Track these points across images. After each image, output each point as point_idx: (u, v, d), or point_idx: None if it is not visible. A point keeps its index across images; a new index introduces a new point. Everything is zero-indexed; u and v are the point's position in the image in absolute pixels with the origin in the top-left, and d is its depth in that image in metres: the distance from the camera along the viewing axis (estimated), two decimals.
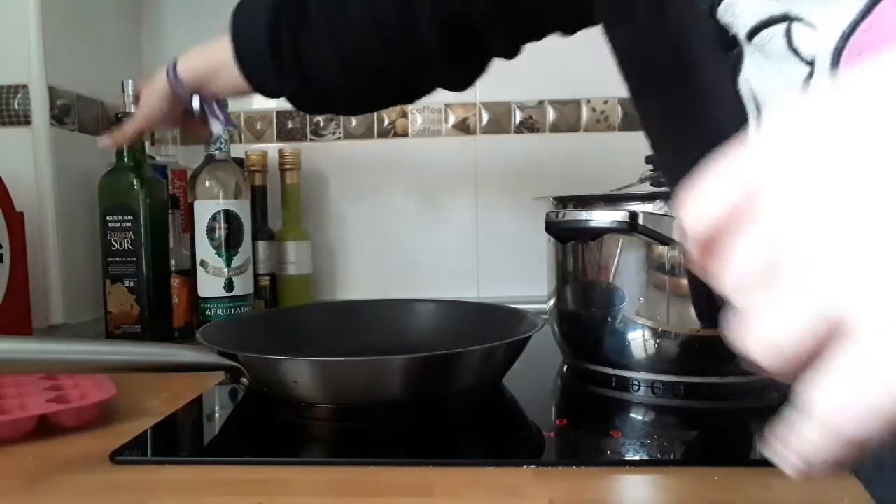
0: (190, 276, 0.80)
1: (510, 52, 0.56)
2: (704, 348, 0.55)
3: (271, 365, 0.48)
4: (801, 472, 0.18)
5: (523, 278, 1.00)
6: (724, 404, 0.53)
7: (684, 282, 0.54)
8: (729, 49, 0.31)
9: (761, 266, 0.18)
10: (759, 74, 0.31)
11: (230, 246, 0.78)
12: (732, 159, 0.19)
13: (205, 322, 0.73)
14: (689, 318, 0.54)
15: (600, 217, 0.53)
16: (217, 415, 0.53)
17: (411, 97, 0.62)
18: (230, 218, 0.78)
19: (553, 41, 1.01)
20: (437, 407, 0.50)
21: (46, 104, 0.79)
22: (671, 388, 0.55)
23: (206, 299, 0.78)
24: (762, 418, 0.50)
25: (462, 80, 0.58)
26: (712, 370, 0.55)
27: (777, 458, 0.19)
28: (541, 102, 0.99)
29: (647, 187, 0.62)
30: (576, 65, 0.99)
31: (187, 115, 0.66)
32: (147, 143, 0.85)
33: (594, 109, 0.99)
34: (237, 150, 0.93)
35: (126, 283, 0.75)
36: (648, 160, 0.65)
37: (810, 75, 0.28)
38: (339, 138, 1.02)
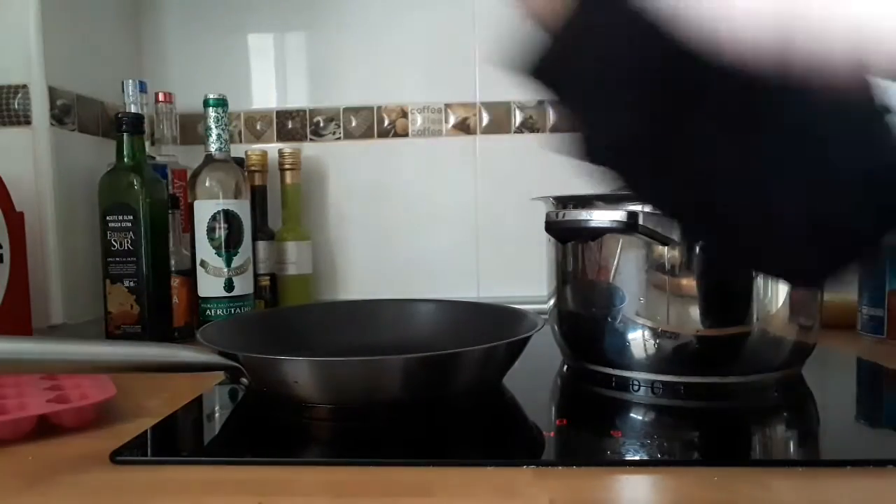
0: (190, 276, 0.80)
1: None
2: (704, 348, 0.55)
3: (271, 365, 0.48)
4: None
5: (523, 278, 1.00)
6: (724, 404, 0.53)
7: (684, 282, 0.54)
8: None
9: None
10: None
11: (230, 246, 0.79)
12: None
13: (205, 322, 0.73)
14: (689, 318, 0.54)
15: (600, 217, 0.53)
16: (217, 415, 0.53)
17: None
18: (230, 218, 0.78)
19: None
20: (437, 407, 0.50)
21: (46, 104, 0.79)
22: (671, 388, 0.55)
23: (206, 299, 0.78)
24: (762, 418, 0.50)
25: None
26: (712, 370, 0.55)
27: None
28: (541, 102, 0.99)
29: None
30: None
31: None
32: (147, 143, 0.85)
33: None
34: (237, 150, 0.93)
35: (126, 283, 0.75)
36: None
37: None
38: (339, 138, 1.02)
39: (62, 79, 0.81)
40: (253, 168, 0.92)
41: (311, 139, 1.02)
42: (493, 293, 1.00)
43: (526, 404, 0.53)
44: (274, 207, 0.96)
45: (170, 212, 0.81)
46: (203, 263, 0.78)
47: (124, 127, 0.76)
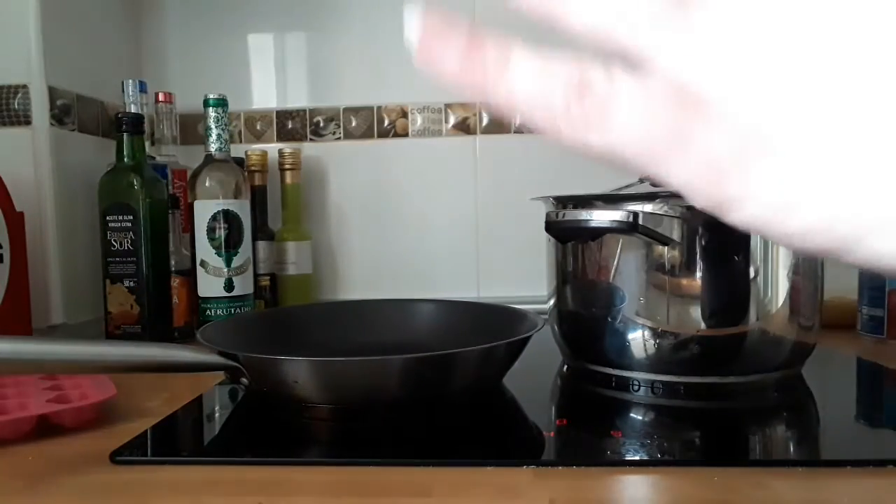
0: (190, 276, 0.80)
1: None
2: (704, 348, 0.55)
3: (271, 365, 0.48)
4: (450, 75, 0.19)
5: (523, 278, 1.00)
6: (724, 404, 0.53)
7: (684, 282, 0.54)
8: None
9: None
10: None
11: (230, 246, 0.79)
12: None
13: (205, 322, 0.73)
14: (689, 318, 0.54)
15: (600, 217, 0.53)
16: (217, 415, 0.53)
17: None
18: (230, 218, 0.78)
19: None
20: (437, 407, 0.50)
21: (46, 104, 0.79)
22: (671, 388, 0.55)
23: (206, 299, 0.78)
24: (762, 418, 0.50)
25: None
26: (712, 370, 0.55)
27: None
28: None
29: (647, 187, 0.62)
30: None
31: None
32: (147, 143, 0.85)
33: None
34: (237, 150, 0.93)
35: (126, 283, 0.75)
36: None
37: None
38: (339, 138, 1.02)
39: (62, 79, 0.81)
40: (253, 168, 0.92)
41: (311, 139, 1.02)
42: (493, 293, 1.00)
43: (526, 404, 0.53)
44: (274, 207, 0.96)
45: (170, 212, 0.81)
46: (203, 263, 0.78)
47: (124, 127, 0.76)
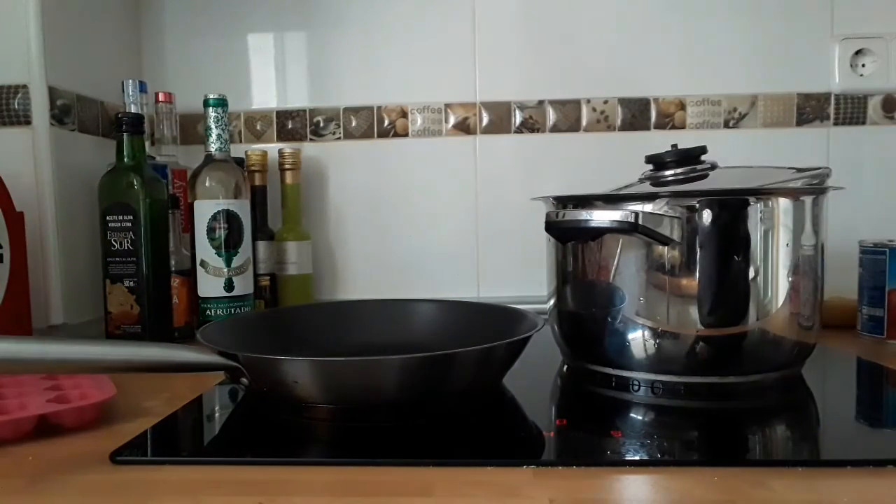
0: (190, 276, 0.80)
1: None
2: (704, 348, 0.55)
3: (271, 365, 0.48)
4: None
5: (523, 278, 1.00)
6: (723, 404, 0.53)
7: (684, 282, 0.54)
8: None
9: None
10: None
11: (230, 246, 0.79)
12: None
13: (205, 322, 0.73)
14: (689, 318, 0.54)
15: (600, 217, 0.53)
16: (217, 415, 0.53)
17: None
18: (230, 218, 0.78)
19: (552, 41, 1.02)
20: (437, 407, 0.50)
21: (46, 104, 0.79)
22: (671, 388, 0.55)
23: (206, 299, 0.78)
24: (762, 418, 0.50)
25: None
26: (712, 370, 0.55)
27: None
28: (541, 102, 0.99)
29: (647, 187, 0.62)
30: (576, 65, 0.99)
31: None
32: (147, 143, 0.85)
33: (594, 109, 0.99)
34: (237, 150, 0.93)
35: (126, 283, 0.75)
36: (648, 160, 0.65)
37: None
38: (339, 138, 1.02)
39: (62, 79, 0.81)
40: (253, 168, 0.92)
41: (311, 139, 1.02)
42: (493, 293, 1.00)
43: (526, 404, 0.53)
44: (274, 207, 0.96)
45: (170, 212, 0.81)
46: (203, 263, 0.78)
47: (124, 127, 0.76)
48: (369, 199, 1.02)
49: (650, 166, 0.65)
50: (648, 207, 0.54)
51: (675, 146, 0.63)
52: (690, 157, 0.63)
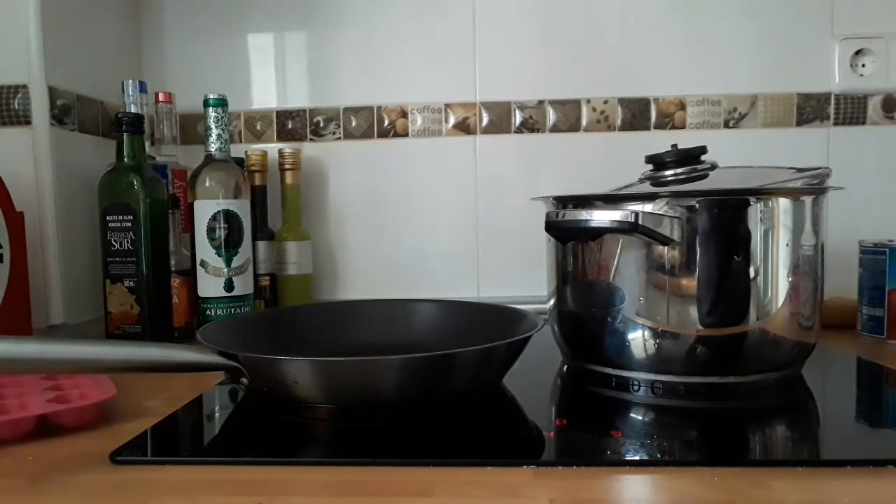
0: (190, 276, 0.80)
1: None
2: (704, 348, 0.55)
3: (271, 365, 0.48)
4: None
5: (523, 278, 1.00)
6: (723, 404, 0.53)
7: (684, 282, 0.54)
8: None
9: None
10: None
11: (230, 246, 0.79)
12: None
13: (205, 322, 0.73)
14: (689, 318, 0.54)
15: (600, 217, 0.53)
16: (217, 415, 0.53)
17: None
18: (230, 218, 0.78)
19: (552, 41, 1.02)
20: (437, 407, 0.50)
21: (46, 104, 0.79)
22: (671, 388, 0.55)
23: (206, 299, 0.78)
24: (762, 418, 0.50)
25: None
26: (712, 370, 0.55)
27: None
28: (541, 102, 0.99)
29: (647, 187, 0.62)
30: (576, 65, 0.99)
31: None
32: (147, 143, 0.85)
33: (594, 109, 0.99)
34: (237, 150, 0.93)
35: (126, 283, 0.75)
36: (648, 160, 0.65)
37: None
38: (339, 138, 1.02)
39: (62, 79, 0.81)
40: (253, 168, 0.92)
41: (311, 139, 1.02)
42: (493, 293, 1.00)
43: (526, 404, 0.53)
44: (274, 207, 0.96)
45: (170, 212, 0.81)
46: (203, 263, 0.78)
47: (124, 127, 0.76)
48: (369, 199, 1.02)
49: (650, 166, 0.65)
50: (648, 207, 0.54)
51: (675, 146, 0.63)
52: (690, 157, 0.63)
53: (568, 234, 0.59)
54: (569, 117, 0.99)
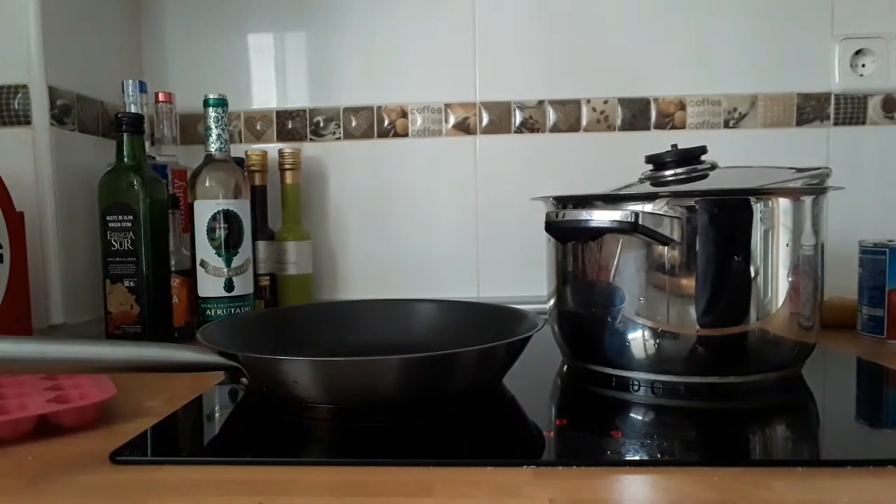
0: (190, 276, 0.80)
1: None
2: (704, 348, 0.55)
3: (271, 365, 0.48)
4: None
5: (523, 278, 1.00)
6: (723, 404, 0.53)
7: (684, 282, 0.54)
8: None
9: None
10: None
11: (230, 246, 0.79)
12: None
13: (205, 322, 0.73)
14: (689, 318, 0.54)
15: (600, 217, 0.53)
16: (217, 415, 0.53)
17: None
18: (230, 218, 0.78)
19: (552, 41, 1.02)
20: (437, 407, 0.50)
21: (46, 104, 0.79)
22: (671, 388, 0.55)
23: (206, 299, 0.78)
24: (762, 418, 0.50)
25: None
26: (712, 370, 0.55)
27: None
28: (541, 102, 0.99)
29: (647, 187, 0.62)
30: (576, 65, 0.99)
31: None
32: (147, 143, 0.85)
33: (594, 109, 0.99)
34: (237, 150, 0.93)
35: (126, 283, 0.75)
36: (648, 160, 0.65)
37: None
38: (339, 138, 1.02)
39: (62, 79, 0.81)
40: (253, 168, 0.92)
41: (311, 139, 1.02)
42: (493, 293, 1.00)
43: (526, 404, 0.53)
44: (274, 207, 0.96)
45: (170, 212, 0.81)
46: (203, 263, 0.78)
47: (124, 127, 0.76)
48: (369, 199, 1.02)
49: (650, 166, 0.65)
50: (648, 207, 0.54)
51: (675, 146, 0.63)
52: (690, 157, 0.63)
53: (568, 234, 0.59)
54: (569, 117, 0.99)
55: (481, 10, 0.99)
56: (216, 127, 0.79)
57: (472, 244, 1.01)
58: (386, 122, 1.01)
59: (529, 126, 1.00)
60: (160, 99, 0.88)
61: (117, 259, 0.75)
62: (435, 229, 1.01)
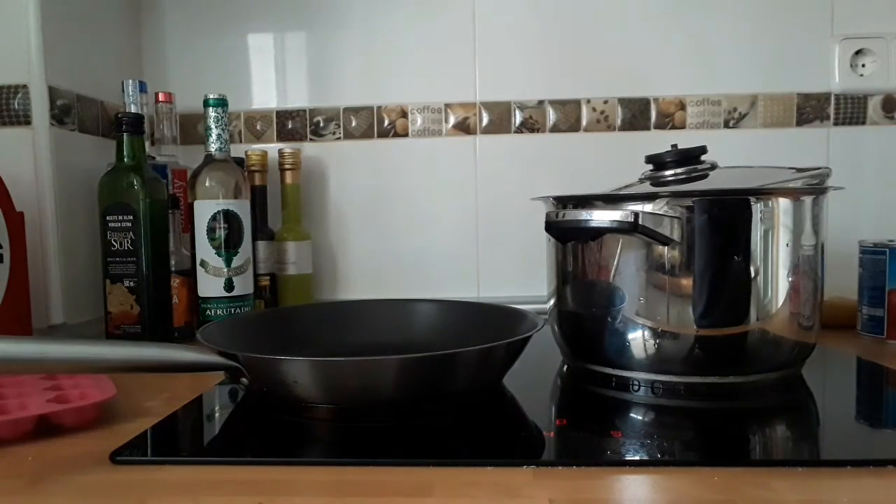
0: (190, 276, 0.80)
1: None
2: (704, 348, 0.55)
3: (271, 365, 0.48)
4: None
5: (523, 278, 1.00)
6: (723, 404, 0.53)
7: (684, 282, 0.54)
8: None
9: None
10: None
11: (230, 246, 0.79)
12: None
13: (205, 322, 0.73)
14: (689, 318, 0.54)
15: (600, 217, 0.53)
16: (217, 415, 0.53)
17: None
18: (230, 218, 0.78)
19: (552, 41, 1.02)
20: (437, 407, 0.50)
21: (46, 104, 0.79)
22: (671, 388, 0.55)
23: (206, 299, 0.78)
24: (762, 418, 0.50)
25: None
26: (712, 370, 0.55)
27: None
28: (541, 102, 0.99)
29: (647, 187, 0.62)
30: (576, 64, 0.99)
31: None
32: (147, 143, 0.85)
33: (594, 109, 0.99)
34: (237, 150, 0.93)
35: (126, 283, 0.75)
36: (648, 160, 0.65)
37: None
38: (339, 138, 1.02)
39: (62, 79, 0.81)
40: (253, 168, 0.92)
41: (311, 139, 1.02)
42: (493, 293, 1.00)
43: (526, 404, 0.53)
44: (274, 207, 0.96)
45: (170, 212, 0.81)
46: (203, 263, 0.78)
47: (124, 127, 0.76)
48: (369, 199, 1.02)
49: (650, 166, 0.65)
50: (648, 207, 0.54)
51: (675, 146, 0.63)
52: (690, 157, 0.63)
53: (568, 234, 0.59)
54: (569, 117, 0.99)
55: (481, 9, 0.99)
56: (216, 127, 0.79)
57: (472, 244, 1.01)
58: (386, 122, 1.01)
59: (529, 126, 0.99)
60: (160, 99, 0.88)
61: (117, 259, 0.75)
62: (435, 229, 1.01)
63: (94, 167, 0.83)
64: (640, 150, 0.67)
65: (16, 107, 0.78)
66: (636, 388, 0.56)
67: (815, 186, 0.59)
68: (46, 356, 0.42)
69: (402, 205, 1.02)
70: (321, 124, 1.02)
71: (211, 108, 0.79)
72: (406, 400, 0.49)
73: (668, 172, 0.62)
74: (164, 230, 0.78)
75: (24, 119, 0.78)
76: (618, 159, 0.95)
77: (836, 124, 0.97)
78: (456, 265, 1.02)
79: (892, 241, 0.74)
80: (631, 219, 0.52)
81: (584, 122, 0.99)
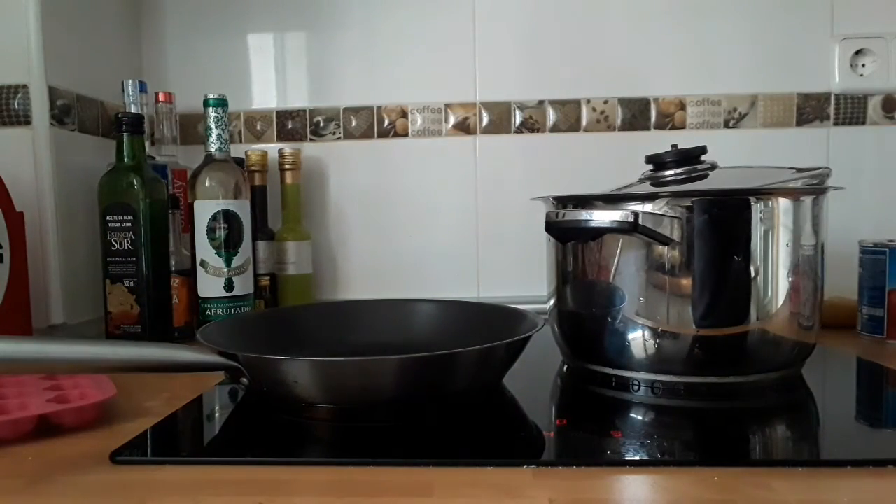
0: (190, 276, 0.80)
1: None
2: (704, 348, 0.55)
3: (271, 365, 0.48)
4: None
5: (523, 278, 1.00)
6: (723, 404, 0.53)
7: (684, 282, 0.54)
8: None
9: None
10: None
11: (230, 246, 0.79)
12: None
13: (205, 322, 0.73)
14: (688, 318, 0.54)
15: (600, 217, 0.53)
16: (217, 415, 0.53)
17: None
18: (230, 218, 0.78)
19: (552, 41, 1.02)
20: (438, 407, 0.50)
21: (46, 104, 0.79)
22: (671, 388, 0.55)
23: (206, 299, 0.78)
24: (762, 418, 0.50)
25: None
26: (712, 370, 0.55)
27: None
28: (541, 102, 0.99)
29: (647, 187, 0.62)
30: (576, 65, 0.99)
31: None
32: (147, 143, 0.85)
33: (594, 109, 0.99)
34: (237, 150, 0.93)
35: (126, 283, 0.75)
36: (648, 160, 0.65)
37: None
38: (339, 138, 1.02)
39: (62, 79, 0.81)
40: (253, 168, 0.92)
41: (311, 139, 1.02)
42: (493, 293, 1.00)
43: (526, 404, 0.53)
44: (274, 207, 0.96)
45: (170, 212, 0.81)
46: (203, 263, 0.78)
47: (124, 127, 0.76)
48: (369, 198, 1.02)
49: (650, 166, 0.65)
50: (648, 207, 0.54)
51: (675, 146, 0.64)
52: (690, 157, 0.63)
53: (568, 234, 0.59)
54: (569, 117, 0.99)
55: (481, 9, 0.99)
56: (216, 127, 0.79)
57: (472, 244, 1.01)
58: (386, 122, 1.01)
59: (529, 126, 1.00)
60: (160, 99, 0.88)
61: (117, 259, 0.75)
62: (435, 229, 1.01)
63: (94, 167, 0.83)
64: (640, 150, 0.67)
65: (16, 107, 0.78)
66: (636, 388, 0.56)
67: (815, 186, 0.59)
68: (46, 356, 0.42)
69: (402, 205, 1.02)
70: (321, 124, 1.02)
71: (211, 108, 0.79)
72: (406, 400, 0.49)
73: (668, 172, 0.62)
74: (164, 230, 0.78)
75: (24, 119, 0.78)
76: (618, 159, 0.95)
77: (836, 124, 0.97)
78: (456, 265, 1.02)
79: (892, 241, 0.74)
80: (631, 219, 0.52)
81: (584, 122, 0.99)
